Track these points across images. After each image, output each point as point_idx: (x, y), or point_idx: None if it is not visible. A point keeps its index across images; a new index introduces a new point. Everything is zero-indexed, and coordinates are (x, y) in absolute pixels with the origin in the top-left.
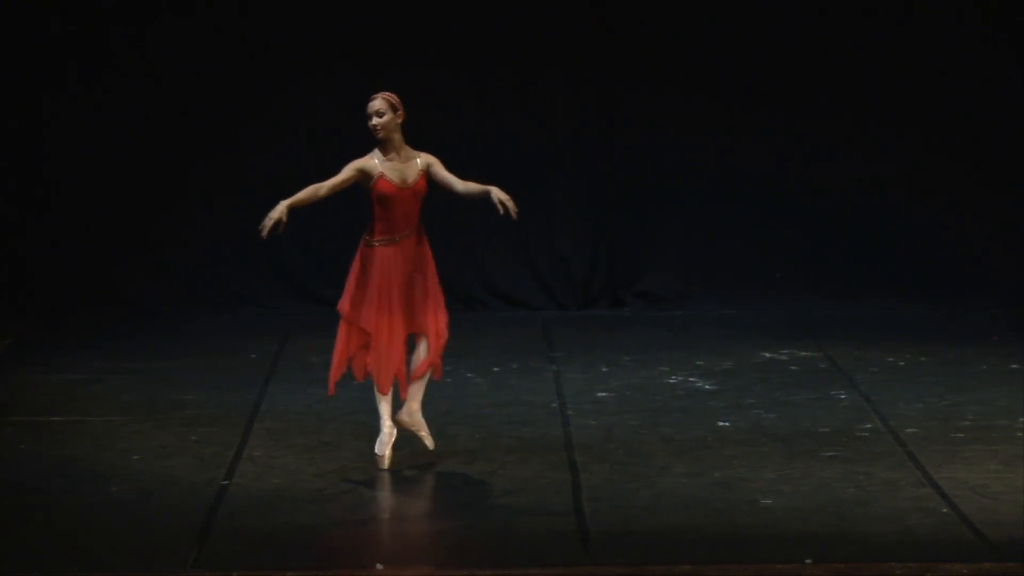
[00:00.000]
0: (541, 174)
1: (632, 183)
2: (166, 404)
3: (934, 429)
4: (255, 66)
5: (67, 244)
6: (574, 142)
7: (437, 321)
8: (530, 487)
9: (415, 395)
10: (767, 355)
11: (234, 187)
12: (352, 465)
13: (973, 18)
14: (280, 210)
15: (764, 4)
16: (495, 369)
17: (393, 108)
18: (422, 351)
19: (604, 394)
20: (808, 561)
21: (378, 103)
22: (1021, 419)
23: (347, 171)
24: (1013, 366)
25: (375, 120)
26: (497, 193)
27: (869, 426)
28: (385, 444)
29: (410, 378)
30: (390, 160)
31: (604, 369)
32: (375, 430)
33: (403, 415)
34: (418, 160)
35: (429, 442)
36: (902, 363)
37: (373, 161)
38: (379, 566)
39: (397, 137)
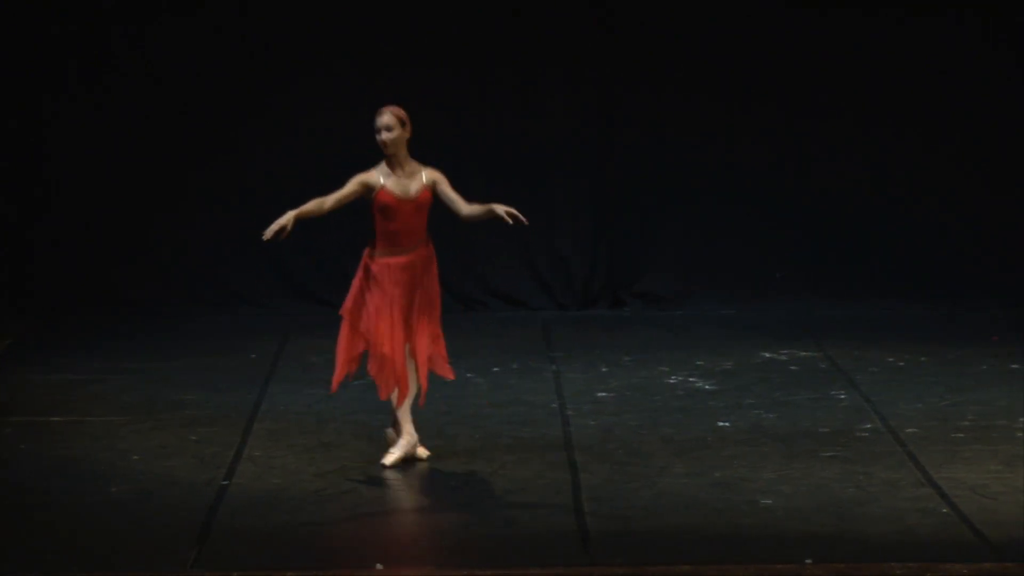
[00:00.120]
0: (541, 174)
1: (632, 183)
2: (166, 404)
3: (934, 429)
4: (255, 66)
5: (67, 244)
6: (574, 142)
7: (428, 347)
8: (530, 487)
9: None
10: (767, 355)
11: (234, 187)
12: (352, 465)
13: (973, 18)
14: (288, 218)
15: (764, 4)
16: (495, 369)
17: (401, 123)
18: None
19: (604, 394)
20: (808, 561)
21: (387, 118)
22: (1021, 419)
23: (351, 184)
24: (1013, 366)
25: (384, 135)
26: (501, 208)
27: (869, 426)
28: (399, 448)
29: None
30: (394, 174)
31: (604, 369)
32: (375, 430)
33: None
34: (423, 175)
35: (423, 452)
36: (902, 363)
37: (376, 174)
38: (379, 566)
39: (403, 152)
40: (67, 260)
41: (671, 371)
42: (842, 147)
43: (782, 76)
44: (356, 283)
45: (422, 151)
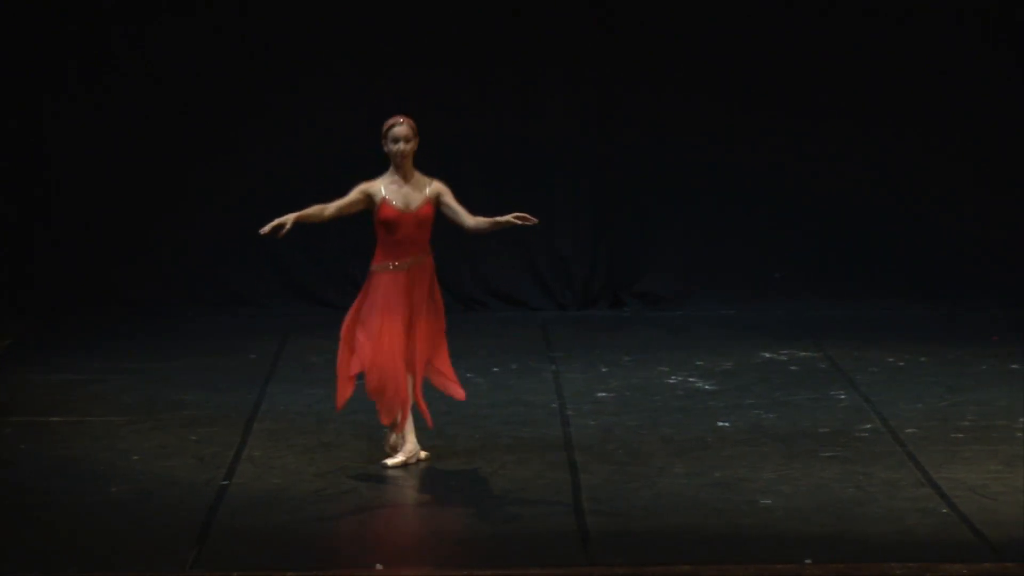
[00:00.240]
0: (541, 174)
1: (632, 183)
2: (166, 404)
3: (934, 429)
4: (255, 66)
5: (67, 244)
6: (574, 142)
7: (428, 356)
8: (530, 487)
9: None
10: (767, 355)
11: (234, 187)
12: (352, 465)
13: (973, 18)
14: (288, 218)
15: (764, 4)
16: (495, 369)
17: (415, 134)
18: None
19: (604, 394)
20: (808, 561)
21: (406, 128)
22: (1021, 419)
23: (354, 193)
24: (1013, 366)
25: (403, 146)
26: (509, 217)
27: (869, 426)
28: (403, 453)
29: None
30: (397, 185)
31: (604, 369)
32: (375, 430)
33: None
34: (427, 188)
35: (423, 453)
36: (902, 363)
37: (379, 185)
38: (379, 566)
39: (410, 163)
40: (67, 260)
41: (671, 371)
42: (842, 147)
43: (782, 76)
44: (358, 300)
45: (422, 151)
